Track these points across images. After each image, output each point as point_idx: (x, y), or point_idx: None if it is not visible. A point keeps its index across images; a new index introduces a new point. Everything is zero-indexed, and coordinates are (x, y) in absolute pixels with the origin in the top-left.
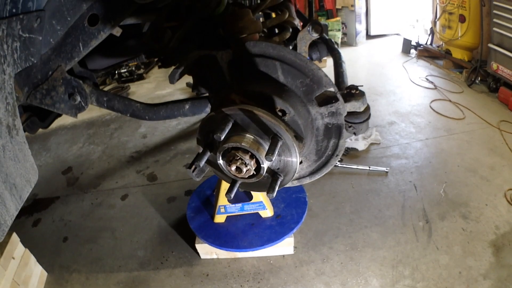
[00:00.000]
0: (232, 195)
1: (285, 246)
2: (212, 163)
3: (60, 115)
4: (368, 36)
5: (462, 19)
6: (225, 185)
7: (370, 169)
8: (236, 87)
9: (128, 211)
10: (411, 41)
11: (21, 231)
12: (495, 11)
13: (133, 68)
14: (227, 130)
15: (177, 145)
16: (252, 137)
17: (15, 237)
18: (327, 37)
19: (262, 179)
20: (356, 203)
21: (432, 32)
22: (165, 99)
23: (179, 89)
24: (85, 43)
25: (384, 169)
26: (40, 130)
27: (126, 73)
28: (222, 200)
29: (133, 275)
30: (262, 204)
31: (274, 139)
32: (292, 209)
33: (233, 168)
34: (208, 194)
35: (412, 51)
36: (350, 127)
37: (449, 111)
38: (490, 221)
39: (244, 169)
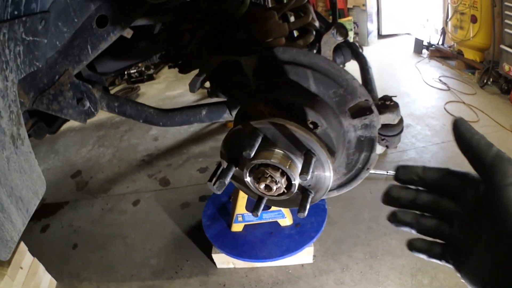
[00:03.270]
0: (259, 213)
1: (304, 255)
2: (236, 177)
3: (68, 119)
4: (380, 36)
5: (473, 19)
6: (243, 193)
7: (388, 174)
8: (263, 96)
9: (140, 217)
10: (422, 41)
11: (29, 237)
12: (506, 12)
13: (143, 69)
14: (256, 146)
15: (190, 149)
16: (282, 152)
17: (23, 246)
18: (350, 41)
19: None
20: (374, 209)
21: (444, 32)
22: (176, 100)
23: None
24: (93, 45)
25: None
26: None
27: (136, 74)
28: (240, 208)
29: (146, 284)
30: (281, 213)
31: (307, 155)
32: (311, 217)
33: (262, 186)
34: (224, 201)
35: (424, 51)
36: (383, 139)
37: (463, 114)
38: None
39: (274, 187)
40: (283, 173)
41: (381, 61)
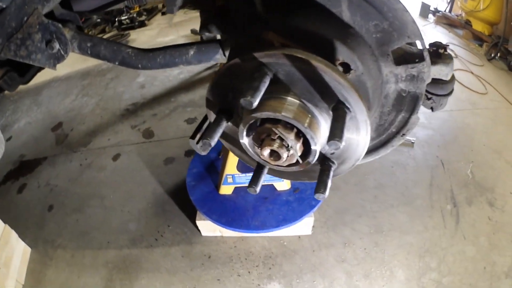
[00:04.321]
0: (258, 189)
1: (302, 226)
2: (228, 136)
3: (43, 68)
4: None
5: None
6: None
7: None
8: (273, 22)
9: (120, 175)
10: (429, 6)
11: (6, 199)
12: None
13: (135, 15)
14: (263, 90)
15: (178, 97)
16: (299, 102)
17: None
18: None
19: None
20: (380, 176)
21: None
22: None
23: (183, 36)
24: None
25: (410, 139)
26: (33, 82)
27: (127, 20)
28: (230, 168)
29: (123, 253)
30: None
31: (340, 110)
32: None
33: (266, 152)
34: (212, 158)
35: (430, 16)
36: (429, 99)
37: (472, 84)
38: None
39: (285, 155)
40: (299, 134)
41: None
